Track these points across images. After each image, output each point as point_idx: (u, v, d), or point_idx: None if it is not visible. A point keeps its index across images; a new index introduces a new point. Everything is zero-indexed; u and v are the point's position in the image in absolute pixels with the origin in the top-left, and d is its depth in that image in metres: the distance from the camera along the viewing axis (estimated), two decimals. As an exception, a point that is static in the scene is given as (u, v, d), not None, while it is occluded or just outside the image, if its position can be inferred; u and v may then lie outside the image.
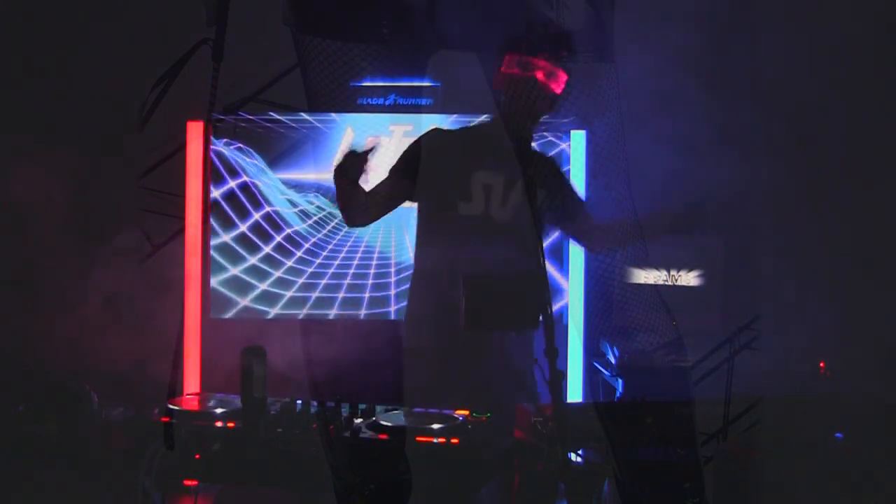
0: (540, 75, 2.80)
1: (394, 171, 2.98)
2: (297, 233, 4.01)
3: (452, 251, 2.85)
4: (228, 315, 4.01)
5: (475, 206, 2.90)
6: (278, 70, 4.05)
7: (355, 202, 2.94)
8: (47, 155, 3.98)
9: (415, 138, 2.99)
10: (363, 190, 2.93)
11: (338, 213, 3.16)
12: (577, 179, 3.91)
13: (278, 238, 4.03)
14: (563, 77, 2.81)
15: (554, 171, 3.08)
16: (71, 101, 4.01)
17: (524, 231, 2.84)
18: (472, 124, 3.07)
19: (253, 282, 4.02)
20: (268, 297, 4.02)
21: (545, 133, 3.88)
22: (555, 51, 2.76)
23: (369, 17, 2.79)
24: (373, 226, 3.15)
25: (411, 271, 3.01)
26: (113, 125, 3.86)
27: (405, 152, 2.99)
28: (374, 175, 2.90)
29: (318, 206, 4.01)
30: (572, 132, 3.91)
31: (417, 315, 2.97)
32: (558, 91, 2.81)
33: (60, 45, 4.11)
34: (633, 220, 2.75)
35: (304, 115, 3.94)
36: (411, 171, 2.93)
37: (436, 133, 2.99)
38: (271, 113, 3.96)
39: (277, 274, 4.02)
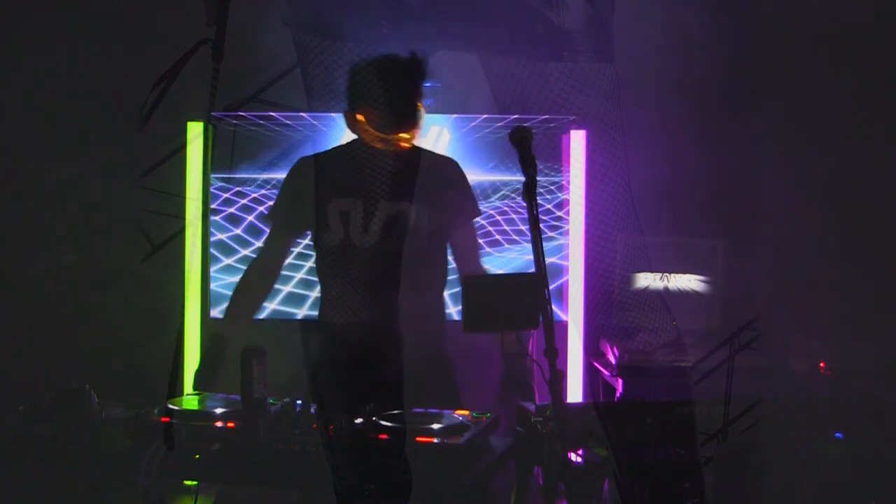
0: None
1: (271, 218, 3.04)
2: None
3: (350, 282, 2.81)
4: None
5: (353, 231, 2.86)
6: (278, 70, 4.04)
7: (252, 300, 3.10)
8: (46, 154, 3.99)
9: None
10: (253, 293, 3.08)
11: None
12: (577, 179, 3.90)
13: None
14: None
15: (446, 179, 2.99)
16: (70, 101, 4.01)
17: (425, 250, 2.85)
18: (342, 143, 3.00)
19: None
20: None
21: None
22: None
23: (368, 16, 2.79)
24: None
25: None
26: (112, 124, 3.87)
27: (278, 194, 3.05)
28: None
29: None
30: (572, 132, 3.90)
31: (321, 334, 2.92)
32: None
33: (60, 45, 4.11)
34: (634, 219, 2.75)
35: (304, 115, 3.94)
36: (289, 211, 2.98)
37: (301, 163, 3.03)
38: (271, 113, 3.95)
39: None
